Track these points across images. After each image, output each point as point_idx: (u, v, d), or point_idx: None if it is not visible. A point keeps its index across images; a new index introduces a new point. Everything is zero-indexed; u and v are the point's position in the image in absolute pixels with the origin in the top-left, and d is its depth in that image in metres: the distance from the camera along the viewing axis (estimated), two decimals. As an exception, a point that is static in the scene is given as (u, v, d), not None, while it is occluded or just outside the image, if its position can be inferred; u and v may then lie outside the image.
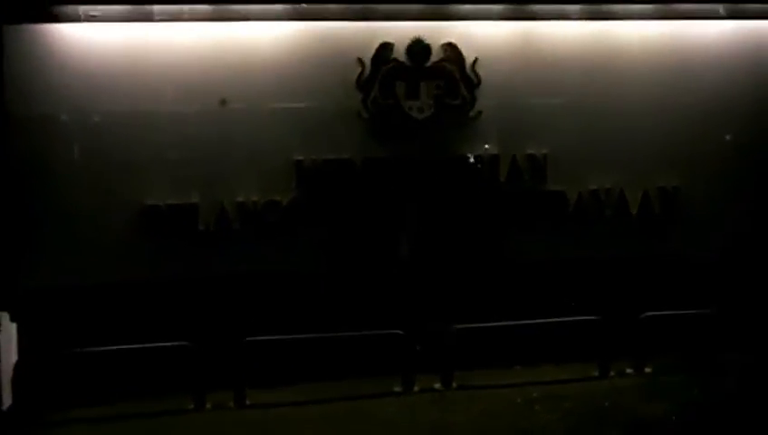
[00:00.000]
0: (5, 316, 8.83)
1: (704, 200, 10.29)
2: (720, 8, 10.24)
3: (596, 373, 9.39)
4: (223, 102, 9.46)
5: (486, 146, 9.89)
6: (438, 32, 9.75)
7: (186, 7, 9.31)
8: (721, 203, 10.32)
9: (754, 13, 10.33)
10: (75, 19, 9.14)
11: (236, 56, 9.46)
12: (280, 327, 9.11)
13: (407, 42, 9.71)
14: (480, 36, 9.82)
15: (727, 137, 10.43)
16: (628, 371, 9.47)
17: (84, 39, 9.20)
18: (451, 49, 9.76)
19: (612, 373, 9.41)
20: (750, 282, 10.21)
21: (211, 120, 9.43)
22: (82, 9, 9.13)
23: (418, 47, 9.71)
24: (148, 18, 9.27)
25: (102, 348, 8.73)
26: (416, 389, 9.11)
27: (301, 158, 9.56)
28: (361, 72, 9.66)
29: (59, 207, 9.16)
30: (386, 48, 9.69)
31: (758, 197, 10.46)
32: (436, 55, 9.76)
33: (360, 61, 9.65)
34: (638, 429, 8.01)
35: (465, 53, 9.78)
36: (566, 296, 9.83)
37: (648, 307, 9.63)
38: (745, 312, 9.90)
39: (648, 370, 9.46)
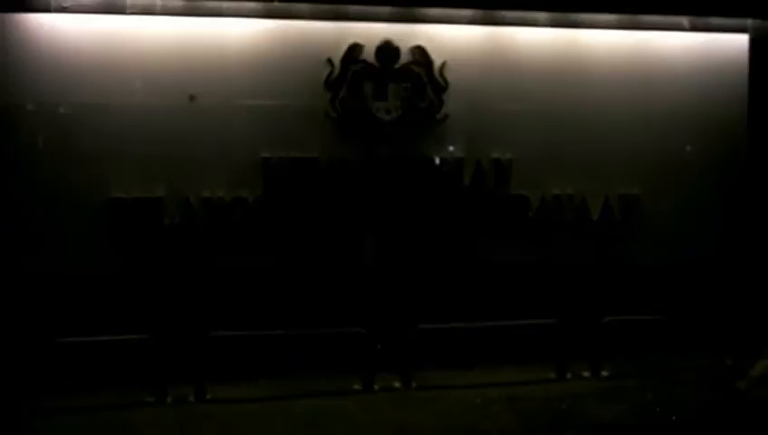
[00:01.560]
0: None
1: (664, 208, 10.46)
2: (684, 21, 10.43)
3: (553, 376, 9.53)
4: (192, 98, 9.47)
5: (451, 149, 9.99)
6: (407, 34, 9.83)
7: (158, 1, 9.32)
8: (681, 211, 10.51)
9: (717, 26, 10.54)
10: (46, 9, 9.12)
11: (206, 52, 9.49)
12: (243, 323, 9.16)
13: (376, 43, 9.78)
14: (449, 40, 9.91)
15: (688, 146, 10.61)
16: (585, 374, 9.62)
17: (54, 30, 9.19)
18: (419, 52, 9.84)
19: (569, 376, 9.55)
20: (708, 288, 10.41)
21: (179, 115, 9.45)
22: (54, -1, 9.15)
23: (387, 49, 9.78)
24: (120, 11, 9.27)
25: (63, 340, 8.72)
26: (376, 387, 9.19)
27: (268, 155, 9.61)
28: (330, 72, 9.71)
29: (24, 196, 9.14)
30: (355, 49, 9.75)
31: (718, 205, 10.64)
32: (404, 58, 9.84)
33: (330, 61, 9.71)
34: (593, 431, 8.15)
35: (433, 56, 9.87)
36: (527, 299, 9.97)
37: (607, 312, 9.77)
38: (703, 317, 10.09)
39: (604, 373, 9.62)
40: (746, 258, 10.59)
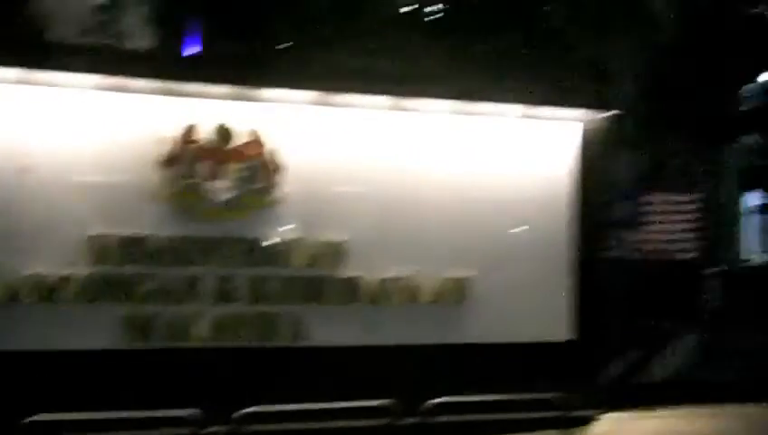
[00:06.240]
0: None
1: (495, 290, 10.60)
2: (516, 109, 10.73)
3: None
4: (24, 171, 9.26)
5: (285, 230, 9.99)
6: (244, 114, 9.90)
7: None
8: (512, 293, 10.68)
9: (546, 115, 10.93)
10: None
11: (41, 124, 9.38)
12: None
13: (213, 122, 9.79)
14: (284, 122, 10.02)
15: (519, 230, 10.82)
16: None
17: None
18: (254, 134, 9.90)
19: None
20: (543, 368, 10.62)
21: (8, 189, 9.24)
22: None
23: (222, 130, 9.81)
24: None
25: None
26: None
27: (96, 233, 9.45)
28: (166, 150, 9.66)
29: None
30: (191, 128, 9.73)
31: (549, 288, 10.92)
32: (239, 139, 9.86)
33: (165, 138, 9.66)
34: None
35: (268, 137, 9.92)
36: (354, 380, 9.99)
37: (439, 393, 9.85)
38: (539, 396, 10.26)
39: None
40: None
